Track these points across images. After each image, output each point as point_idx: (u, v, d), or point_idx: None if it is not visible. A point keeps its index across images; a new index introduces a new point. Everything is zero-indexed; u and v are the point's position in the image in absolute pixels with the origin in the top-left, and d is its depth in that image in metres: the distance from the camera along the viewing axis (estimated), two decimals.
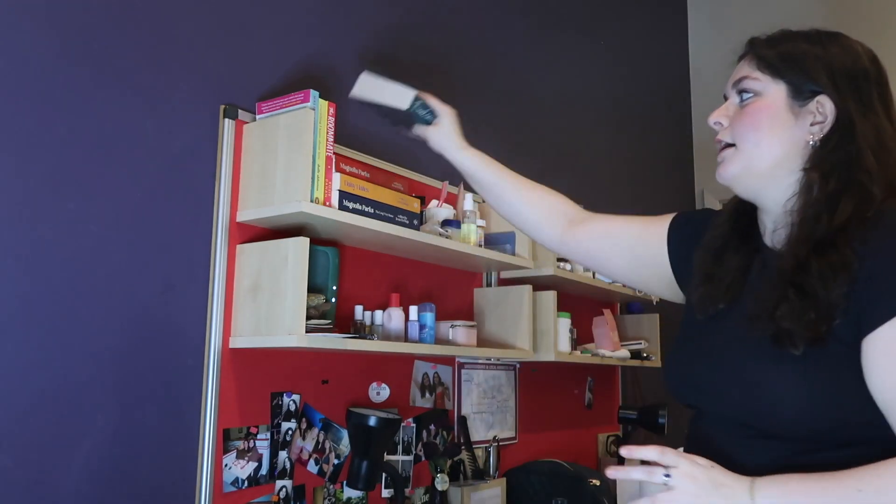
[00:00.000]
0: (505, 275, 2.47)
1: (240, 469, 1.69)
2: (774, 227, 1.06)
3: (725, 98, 1.10)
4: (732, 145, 1.06)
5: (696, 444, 1.08)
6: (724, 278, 1.08)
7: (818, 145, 1.01)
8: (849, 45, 1.05)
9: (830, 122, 1.01)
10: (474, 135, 2.60)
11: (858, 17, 3.63)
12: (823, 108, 1.01)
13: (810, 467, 0.91)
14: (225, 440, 1.66)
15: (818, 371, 0.92)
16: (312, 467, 1.85)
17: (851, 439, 0.93)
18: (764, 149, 1.03)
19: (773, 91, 1.03)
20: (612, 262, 1.31)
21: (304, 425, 1.84)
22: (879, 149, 0.99)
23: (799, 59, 1.03)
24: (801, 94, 1.02)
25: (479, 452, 2.36)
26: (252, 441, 1.72)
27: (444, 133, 1.47)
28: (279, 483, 1.76)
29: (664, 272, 1.24)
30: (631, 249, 1.28)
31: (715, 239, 1.12)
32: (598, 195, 3.31)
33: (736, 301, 1.06)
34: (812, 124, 1.01)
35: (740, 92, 1.07)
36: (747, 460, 0.98)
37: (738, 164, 1.05)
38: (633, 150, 3.71)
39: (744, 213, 1.12)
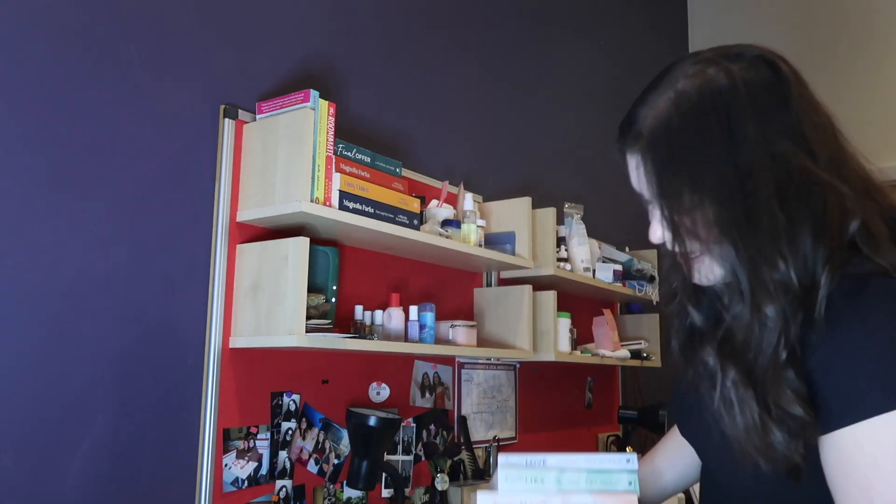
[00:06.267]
0: (505, 275, 2.47)
1: (240, 469, 1.69)
2: None
3: None
4: None
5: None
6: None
7: None
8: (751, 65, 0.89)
9: None
10: (480, 133, 2.61)
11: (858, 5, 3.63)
12: None
13: None
14: (225, 440, 1.66)
15: None
16: (312, 467, 1.85)
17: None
18: None
19: None
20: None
21: (304, 425, 1.84)
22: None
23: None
24: None
25: (479, 452, 2.36)
26: (252, 441, 1.72)
27: None
28: (279, 483, 1.76)
29: None
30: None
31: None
32: (597, 194, 3.31)
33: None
34: None
35: None
36: None
37: None
38: None
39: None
